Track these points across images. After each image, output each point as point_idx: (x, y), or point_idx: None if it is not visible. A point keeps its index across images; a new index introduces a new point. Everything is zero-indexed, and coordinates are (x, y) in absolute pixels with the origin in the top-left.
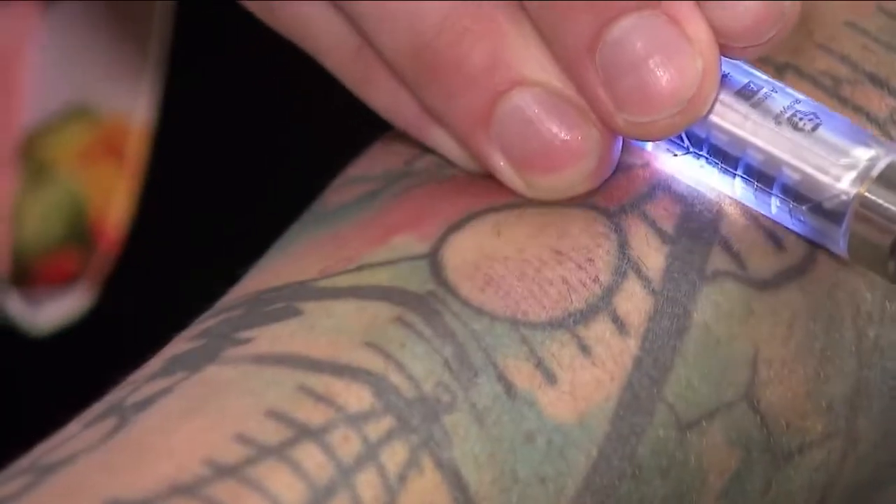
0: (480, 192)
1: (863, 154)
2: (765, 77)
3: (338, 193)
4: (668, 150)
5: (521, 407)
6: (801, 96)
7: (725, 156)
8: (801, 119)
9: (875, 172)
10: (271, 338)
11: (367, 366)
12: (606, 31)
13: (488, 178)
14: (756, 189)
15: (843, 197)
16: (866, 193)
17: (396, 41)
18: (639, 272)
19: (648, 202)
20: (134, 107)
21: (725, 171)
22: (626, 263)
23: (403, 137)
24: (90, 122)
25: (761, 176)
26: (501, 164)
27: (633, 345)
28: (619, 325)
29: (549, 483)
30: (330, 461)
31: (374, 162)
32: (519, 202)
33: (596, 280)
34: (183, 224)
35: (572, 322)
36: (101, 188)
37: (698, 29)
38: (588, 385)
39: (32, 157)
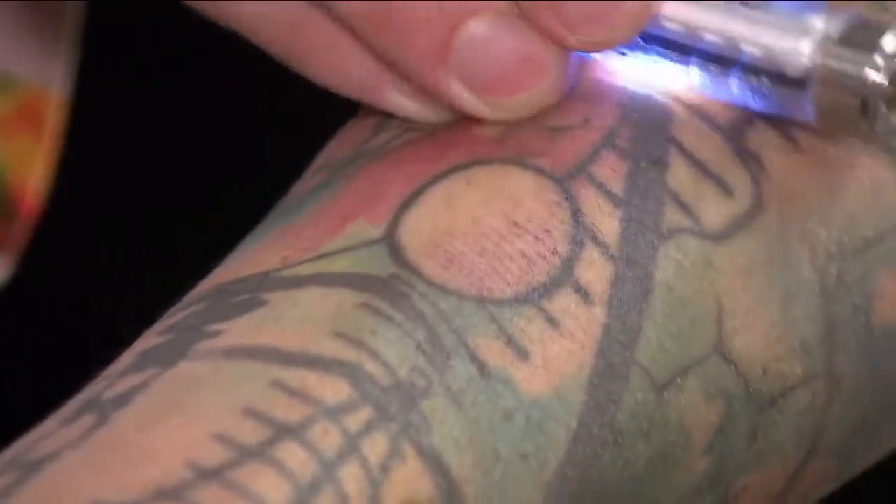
0: (425, 158)
1: (819, 21)
2: None
3: (301, 185)
4: (618, 51)
5: (496, 385)
6: None
7: (679, 47)
8: None
9: (835, 34)
10: (239, 330)
11: (339, 356)
12: None
13: (431, 139)
14: (714, 74)
15: (806, 63)
16: (829, 56)
17: None
18: (595, 239)
19: (593, 163)
20: (52, 77)
21: (680, 62)
22: (581, 232)
23: (363, 122)
24: (9, 93)
25: (718, 59)
26: (465, 95)
27: (599, 313)
28: (583, 294)
29: (531, 459)
30: (312, 457)
31: (336, 148)
32: (464, 163)
33: (554, 252)
34: (101, 194)
35: (537, 296)
36: (20, 158)
37: None
38: (560, 357)
39: None
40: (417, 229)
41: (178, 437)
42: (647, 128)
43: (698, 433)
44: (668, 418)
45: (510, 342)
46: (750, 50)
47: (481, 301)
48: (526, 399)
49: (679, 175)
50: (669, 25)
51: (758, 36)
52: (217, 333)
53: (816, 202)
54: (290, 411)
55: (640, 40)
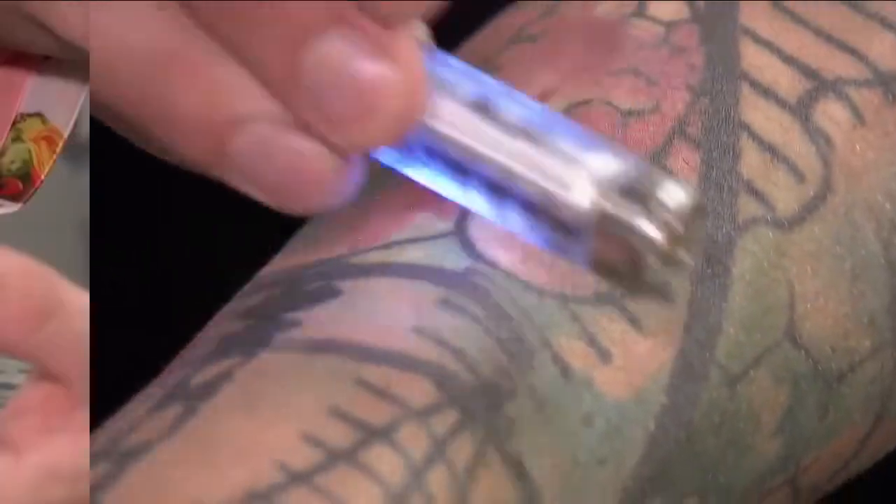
0: None
1: (601, 164)
2: (499, 86)
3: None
4: (401, 162)
5: (577, 388)
6: (536, 105)
7: (460, 169)
8: (535, 129)
9: (612, 183)
10: (317, 322)
11: (421, 354)
12: (304, 55)
13: None
14: (496, 203)
15: (582, 212)
16: (604, 208)
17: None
18: None
19: (667, 155)
20: (65, 121)
21: (462, 185)
22: None
23: None
24: (42, 124)
25: (498, 189)
26: (258, 194)
27: (680, 312)
28: (665, 293)
29: (609, 462)
30: (402, 462)
31: None
32: None
33: None
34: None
35: (618, 295)
36: (41, 158)
37: (394, 37)
38: (641, 359)
39: None
40: (487, 224)
41: (267, 436)
42: (717, 113)
43: (767, 417)
44: (739, 408)
45: (592, 342)
46: (527, 189)
47: (563, 298)
48: (607, 402)
49: (751, 162)
50: (448, 146)
51: (535, 176)
52: (296, 324)
53: (880, 175)
54: (376, 412)
55: (422, 155)
